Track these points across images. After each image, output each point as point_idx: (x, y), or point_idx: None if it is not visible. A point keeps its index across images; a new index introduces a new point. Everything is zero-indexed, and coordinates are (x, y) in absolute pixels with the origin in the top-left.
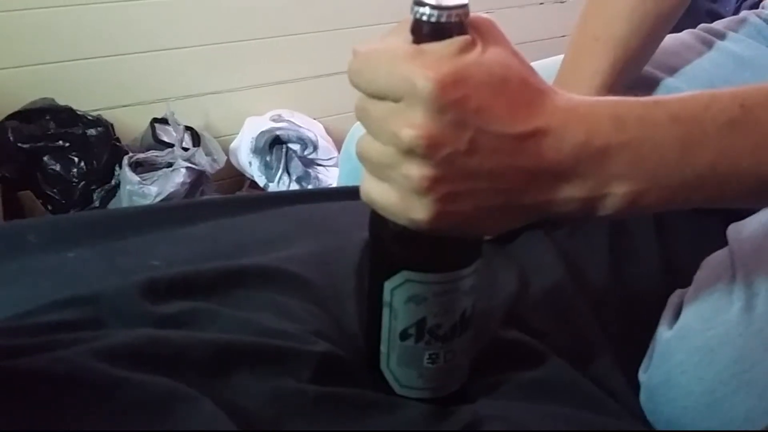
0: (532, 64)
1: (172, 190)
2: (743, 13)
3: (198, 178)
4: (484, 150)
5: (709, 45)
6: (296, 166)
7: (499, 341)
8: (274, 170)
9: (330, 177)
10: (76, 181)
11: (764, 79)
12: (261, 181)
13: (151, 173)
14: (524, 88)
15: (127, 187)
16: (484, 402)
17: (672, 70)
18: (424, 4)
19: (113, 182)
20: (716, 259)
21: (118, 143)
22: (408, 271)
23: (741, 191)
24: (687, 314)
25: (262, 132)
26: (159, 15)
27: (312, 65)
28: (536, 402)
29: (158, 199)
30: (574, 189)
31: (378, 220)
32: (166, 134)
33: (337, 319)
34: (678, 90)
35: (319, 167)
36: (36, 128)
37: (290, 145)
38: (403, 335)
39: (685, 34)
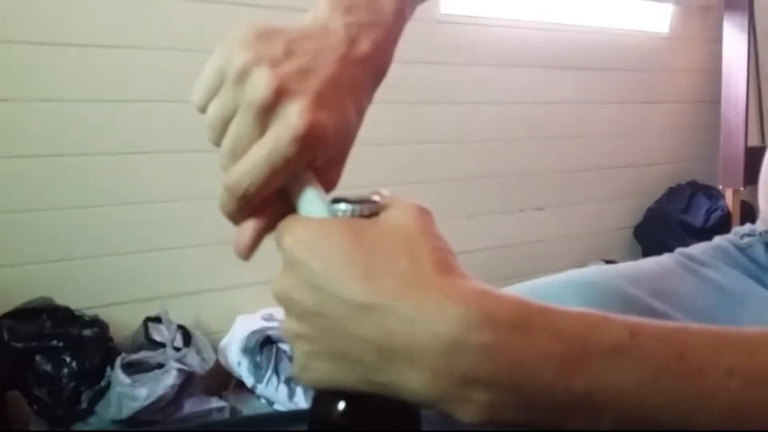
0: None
1: (161, 392)
2: (717, 240)
3: (187, 379)
4: (328, 314)
5: (690, 272)
6: (286, 367)
7: None
8: (263, 371)
9: None
10: (65, 381)
11: (750, 310)
12: (249, 381)
13: (142, 375)
14: (396, 262)
15: (117, 388)
16: None
17: (660, 295)
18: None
19: (103, 383)
20: None
21: (111, 343)
22: None
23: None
24: None
25: (253, 332)
26: (155, 216)
27: None
28: None
29: (147, 401)
30: (429, 383)
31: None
32: (158, 333)
33: None
34: (666, 316)
35: None
36: (31, 327)
37: (281, 345)
38: None
39: (666, 259)
